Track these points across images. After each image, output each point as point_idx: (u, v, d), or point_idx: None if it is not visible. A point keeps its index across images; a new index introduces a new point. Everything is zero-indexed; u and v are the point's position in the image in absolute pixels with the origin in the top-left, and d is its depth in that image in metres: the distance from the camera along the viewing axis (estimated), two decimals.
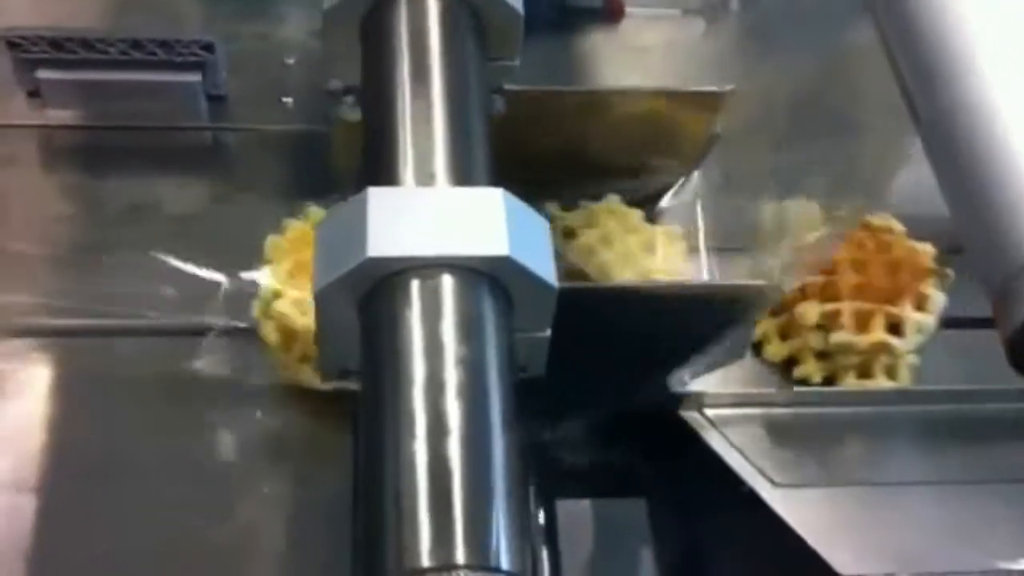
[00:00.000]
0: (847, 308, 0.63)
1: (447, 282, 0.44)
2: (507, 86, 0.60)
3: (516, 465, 0.41)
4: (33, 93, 0.71)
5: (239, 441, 0.60)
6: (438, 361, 0.42)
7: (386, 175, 0.50)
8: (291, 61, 0.76)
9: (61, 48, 0.69)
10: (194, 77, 0.71)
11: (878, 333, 0.63)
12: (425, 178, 0.49)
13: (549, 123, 0.67)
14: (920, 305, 0.64)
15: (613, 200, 0.68)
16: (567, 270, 0.63)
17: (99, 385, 0.61)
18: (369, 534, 0.38)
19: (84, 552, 0.55)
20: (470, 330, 0.43)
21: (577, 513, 0.72)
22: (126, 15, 0.78)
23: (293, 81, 0.75)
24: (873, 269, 0.64)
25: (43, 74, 0.70)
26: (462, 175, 0.49)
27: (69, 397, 0.61)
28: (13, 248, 0.67)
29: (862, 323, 0.63)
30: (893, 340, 0.63)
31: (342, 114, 0.61)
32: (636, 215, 0.67)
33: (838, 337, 0.63)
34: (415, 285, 0.44)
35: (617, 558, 0.76)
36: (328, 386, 0.60)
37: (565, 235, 0.66)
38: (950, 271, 0.65)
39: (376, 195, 0.46)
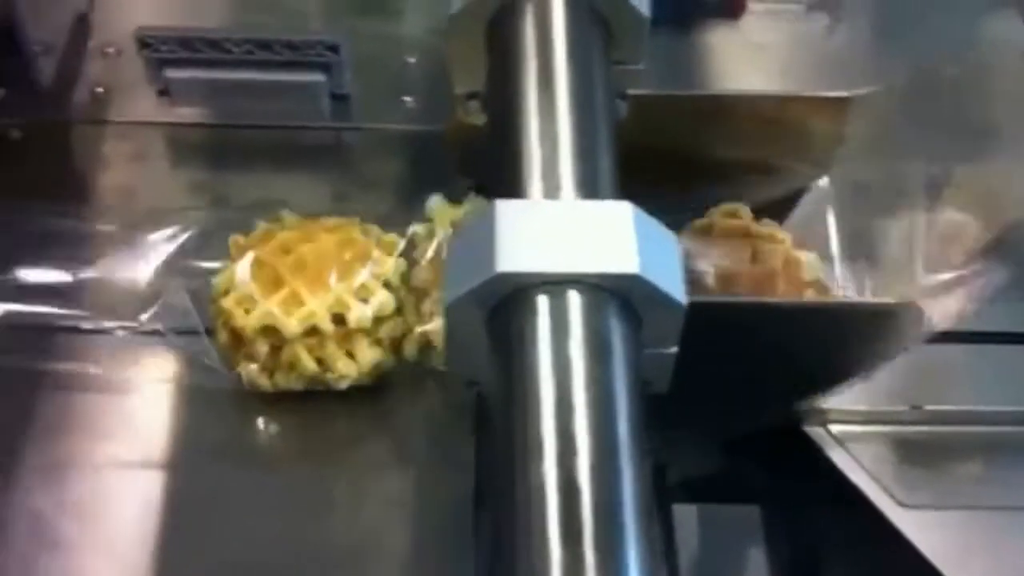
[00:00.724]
0: None
1: (575, 299, 0.44)
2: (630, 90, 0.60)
3: (645, 487, 0.41)
4: (162, 92, 0.73)
5: (365, 440, 0.61)
6: (566, 381, 0.42)
7: (512, 186, 0.50)
8: (412, 60, 0.76)
9: (190, 48, 0.70)
10: (319, 77, 0.72)
11: None
12: (552, 190, 0.48)
13: (670, 127, 0.66)
14: None
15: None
16: None
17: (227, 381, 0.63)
18: (499, 558, 0.38)
19: (211, 546, 0.57)
20: (598, 349, 0.43)
21: (692, 517, 0.72)
22: (251, 13, 0.79)
23: (413, 80, 0.76)
24: (742, 279, 0.61)
25: (172, 73, 0.72)
26: (589, 187, 0.49)
27: (197, 391, 0.63)
28: (141, 243, 0.68)
29: None
30: None
31: (464, 118, 0.61)
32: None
33: None
34: (543, 301, 0.44)
35: (730, 563, 0.75)
36: (273, 388, 0.61)
37: None
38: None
39: (504, 208, 0.46)
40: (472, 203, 0.66)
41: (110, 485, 0.59)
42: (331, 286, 0.61)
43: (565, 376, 0.42)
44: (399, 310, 0.62)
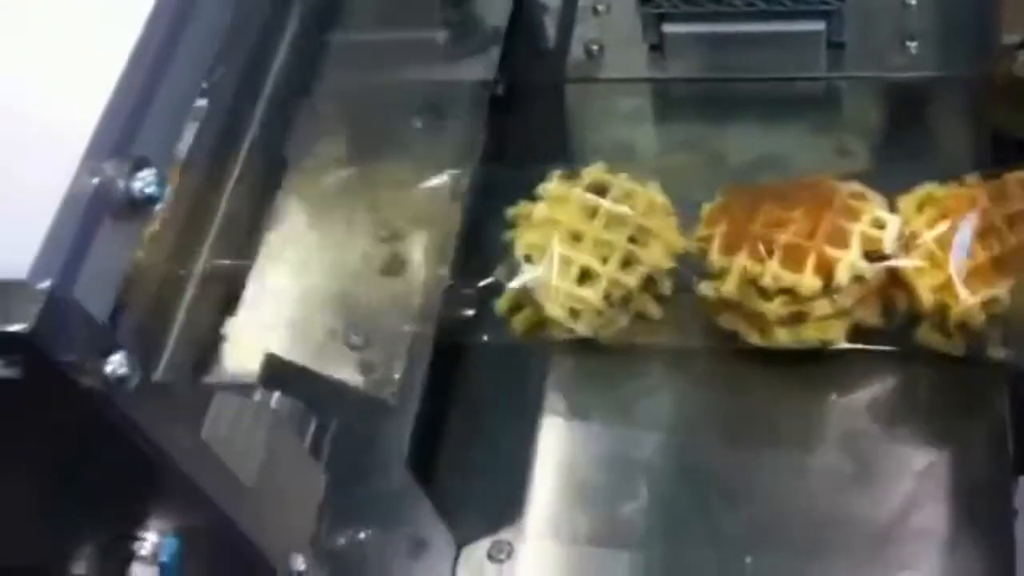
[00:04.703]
0: None
1: None
2: None
3: None
4: (655, 47, 0.73)
5: (885, 414, 0.58)
6: None
7: None
8: (914, 1, 0.72)
9: (690, 2, 0.69)
10: (818, 26, 0.69)
11: None
12: None
13: None
14: None
15: None
16: None
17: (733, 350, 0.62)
18: None
19: (737, 513, 0.57)
20: None
21: None
22: None
23: (917, 24, 0.71)
24: None
25: (668, 28, 0.71)
26: None
27: (704, 360, 0.62)
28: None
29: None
30: None
31: (1015, 71, 0.56)
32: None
33: None
34: None
35: None
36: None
37: None
38: None
39: None
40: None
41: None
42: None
43: None
44: None
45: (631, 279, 0.60)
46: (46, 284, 0.26)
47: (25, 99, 0.30)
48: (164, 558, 0.37)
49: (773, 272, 0.57)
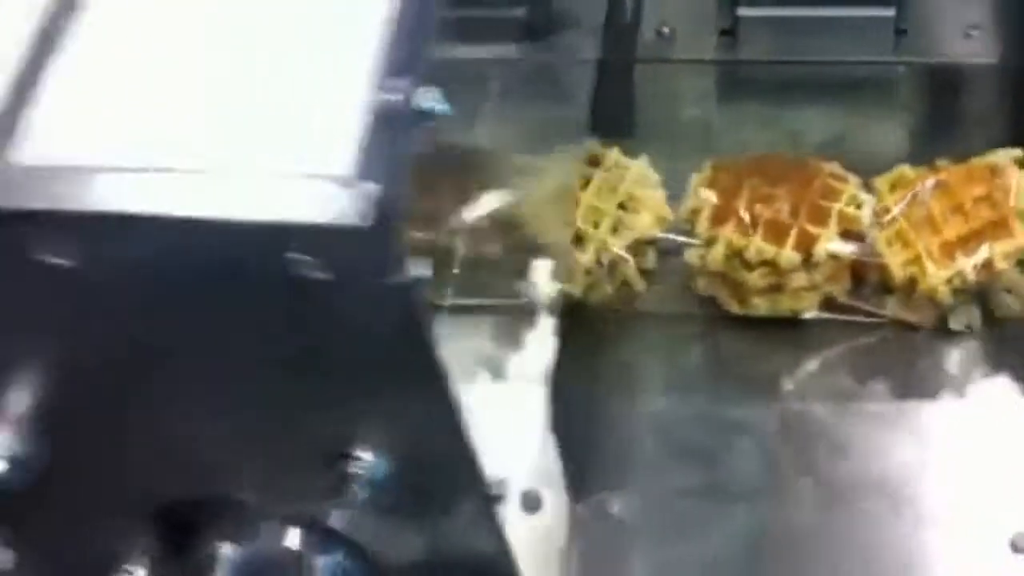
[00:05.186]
0: None
1: None
2: None
3: None
4: (726, 31, 0.76)
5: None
6: None
7: None
8: None
9: None
10: (888, 12, 0.72)
11: None
12: None
13: None
14: None
15: None
16: None
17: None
18: None
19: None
20: None
21: None
22: None
23: (981, 12, 0.74)
24: None
25: (743, 11, 0.74)
26: None
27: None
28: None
29: None
30: None
31: None
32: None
33: None
34: None
35: None
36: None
37: None
38: None
39: None
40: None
41: None
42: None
43: None
44: None
45: (619, 243, 0.64)
46: (371, 184, 0.28)
47: (322, 27, 0.31)
48: (378, 476, 0.38)
49: (757, 246, 0.62)
